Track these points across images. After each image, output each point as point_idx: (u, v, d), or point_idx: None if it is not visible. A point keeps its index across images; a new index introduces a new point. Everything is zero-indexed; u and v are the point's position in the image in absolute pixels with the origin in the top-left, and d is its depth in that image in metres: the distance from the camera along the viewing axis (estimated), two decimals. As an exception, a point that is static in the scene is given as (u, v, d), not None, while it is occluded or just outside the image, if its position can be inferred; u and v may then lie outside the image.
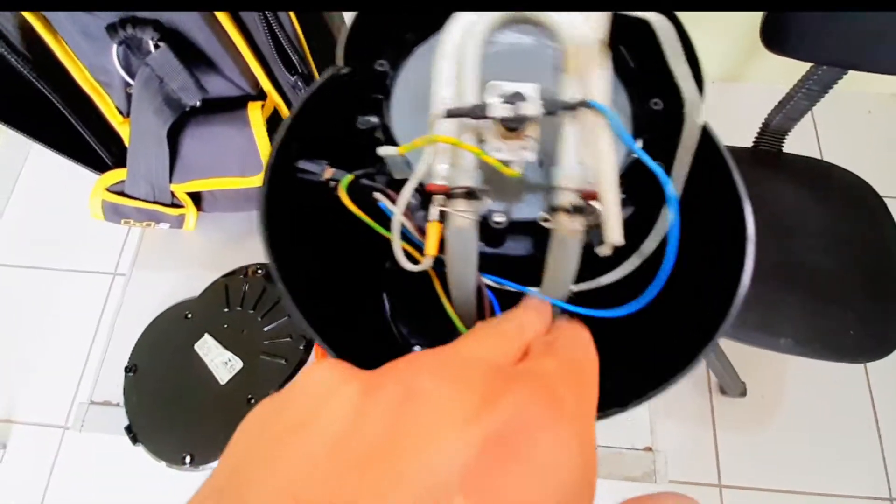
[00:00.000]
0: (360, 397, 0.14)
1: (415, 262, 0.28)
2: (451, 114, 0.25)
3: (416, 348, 0.43)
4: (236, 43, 0.52)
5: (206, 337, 0.65)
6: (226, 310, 0.67)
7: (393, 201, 0.28)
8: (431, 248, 0.27)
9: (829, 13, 0.79)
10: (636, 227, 0.29)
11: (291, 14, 0.52)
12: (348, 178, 0.29)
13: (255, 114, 0.58)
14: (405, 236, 0.29)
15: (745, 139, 1.00)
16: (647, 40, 0.28)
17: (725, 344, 1.10)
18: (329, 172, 0.29)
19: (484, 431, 0.13)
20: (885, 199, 0.91)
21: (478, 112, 0.25)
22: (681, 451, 1.11)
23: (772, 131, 0.99)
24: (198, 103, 0.56)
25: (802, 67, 0.87)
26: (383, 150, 0.27)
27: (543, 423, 0.14)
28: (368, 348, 0.39)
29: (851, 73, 0.83)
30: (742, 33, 1.30)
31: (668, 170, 0.27)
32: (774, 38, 0.86)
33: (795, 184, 0.95)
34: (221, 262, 0.69)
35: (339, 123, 0.30)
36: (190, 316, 0.67)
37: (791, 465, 1.09)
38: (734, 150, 1.01)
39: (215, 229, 0.72)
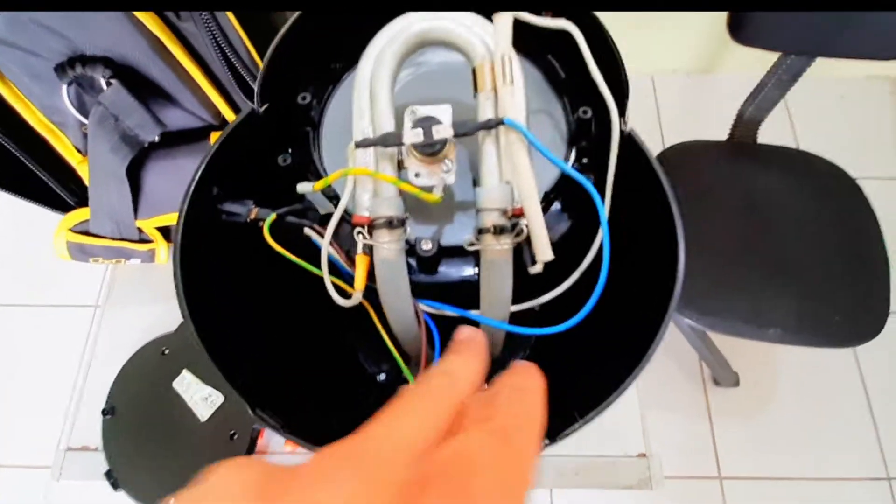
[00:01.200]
0: None
1: (348, 296, 0.27)
2: (362, 144, 0.24)
3: (381, 377, 0.41)
4: (192, 74, 0.51)
5: (185, 373, 0.64)
6: None
7: (321, 234, 0.28)
8: (360, 281, 0.26)
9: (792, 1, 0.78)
10: (575, 239, 0.28)
11: (245, 40, 0.51)
12: (271, 217, 0.28)
13: None
14: (339, 271, 0.28)
15: (722, 131, 0.99)
16: (575, 49, 0.27)
17: (715, 335, 1.08)
18: (254, 213, 0.29)
19: None
20: (860, 181, 0.89)
21: (389, 140, 0.24)
22: (678, 445, 1.09)
23: (746, 122, 0.98)
24: (157, 138, 0.55)
25: (774, 56, 0.86)
26: (301, 187, 0.26)
27: None
28: (333, 384, 0.37)
29: (820, 59, 0.82)
30: (711, 24, 1.29)
31: (603, 177, 0.26)
32: (740, 29, 0.85)
33: (772, 174, 0.94)
34: None
35: (264, 161, 0.30)
36: (167, 352, 0.66)
37: (789, 451, 1.07)
38: (708, 144, 1.00)
39: None
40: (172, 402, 0.62)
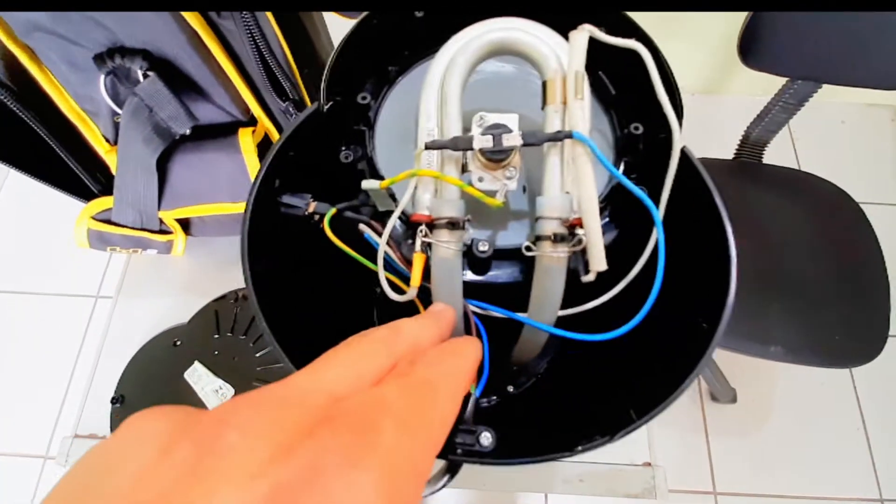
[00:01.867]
0: (157, 455, 0.13)
1: (402, 292, 0.28)
2: (432, 146, 0.25)
3: None
4: (227, 71, 0.52)
5: (196, 364, 0.64)
6: (216, 336, 0.66)
7: (378, 233, 0.28)
8: (416, 278, 0.27)
9: (801, 30, 0.81)
10: (620, 249, 0.29)
11: (282, 41, 0.52)
12: (331, 211, 0.29)
13: (247, 140, 0.57)
14: (392, 267, 0.29)
15: (727, 150, 1.01)
16: (625, 67, 0.28)
17: (715, 352, 1.10)
18: (312, 206, 0.29)
19: (269, 485, 0.12)
20: (861, 205, 0.92)
21: (459, 144, 0.25)
22: (674, 459, 1.11)
23: (752, 143, 1.01)
24: (188, 131, 0.56)
25: (780, 79, 0.89)
26: (366, 184, 0.27)
27: (338, 471, 0.13)
28: None
29: (825, 84, 0.85)
30: (721, 46, 1.32)
31: (651, 191, 0.27)
32: (750, 53, 0.87)
33: (777, 194, 0.96)
34: (211, 286, 0.68)
35: (324, 156, 0.31)
36: (179, 343, 0.66)
37: (783, 469, 1.09)
38: (717, 162, 1.03)
39: (204, 253, 0.71)
40: (182, 393, 0.62)
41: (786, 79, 0.89)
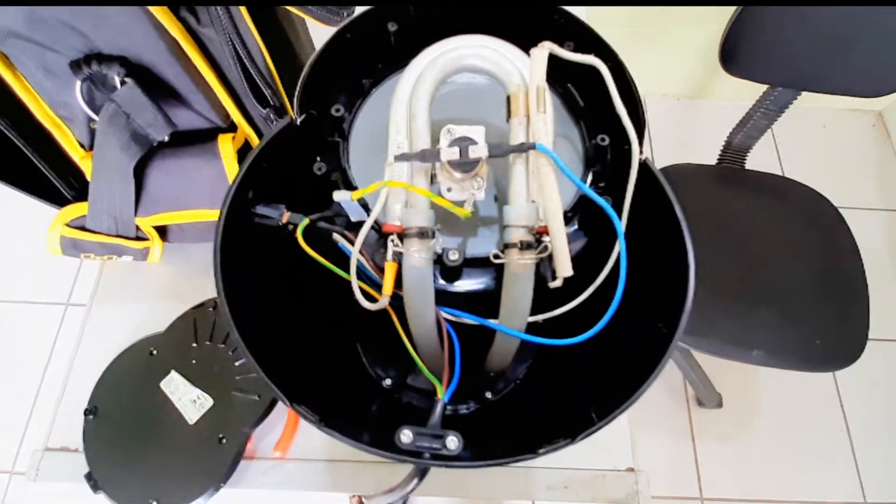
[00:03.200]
0: None
1: (375, 300, 0.29)
2: (401, 158, 0.26)
3: (387, 382, 0.43)
4: (207, 78, 0.51)
5: (173, 374, 0.63)
6: (194, 344, 0.65)
7: (351, 242, 0.29)
8: (387, 287, 0.28)
9: (781, 37, 0.84)
10: (590, 256, 0.30)
11: (262, 47, 0.52)
12: (305, 221, 0.30)
13: (226, 146, 0.57)
14: (365, 275, 0.30)
15: (711, 155, 1.04)
16: (592, 80, 0.29)
17: (700, 356, 1.13)
18: (286, 216, 0.30)
19: None
20: (841, 210, 0.95)
21: (427, 156, 0.26)
22: (661, 465, 1.13)
23: (734, 149, 1.03)
24: (166, 138, 0.56)
25: (760, 86, 0.91)
26: (338, 195, 0.28)
27: None
28: (338, 386, 0.39)
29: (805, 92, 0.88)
30: (703, 51, 1.36)
31: (617, 201, 0.29)
32: (731, 60, 0.90)
33: (758, 200, 0.99)
34: (188, 293, 0.67)
35: (298, 168, 0.32)
36: (155, 352, 0.65)
37: (769, 473, 1.12)
38: (699, 168, 1.05)
39: (181, 260, 0.70)
40: (159, 404, 0.61)
41: (766, 86, 0.92)
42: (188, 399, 0.63)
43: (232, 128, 0.59)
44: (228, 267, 0.29)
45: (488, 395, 0.43)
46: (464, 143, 0.26)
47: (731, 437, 1.16)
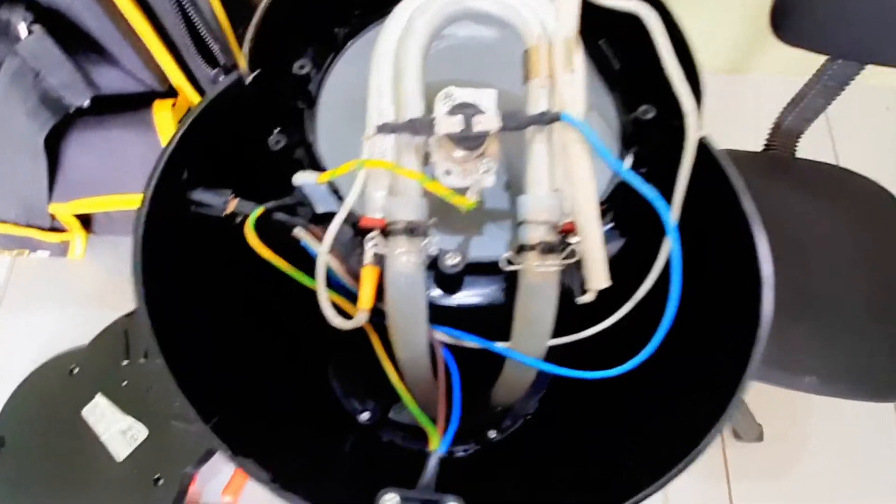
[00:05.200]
0: None
1: (349, 316, 0.27)
2: (385, 129, 0.24)
3: (363, 417, 0.40)
4: (137, 28, 0.49)
5: (99, 398, 0.61)
6: (125, 362, 0.63)
7: (318, 240, 0.27)
8: (366, 299, 0.26)
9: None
10: (627, 262, 0.28)
11: None
12: (257, 211, 0.27)
13: (163, 115, 0.55)
14: (337, 284, 0.28)
15: (754, 140, 1.02)
16: (635, 34, 0.27)
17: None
18: (233, 205, 0.28)
19: None
20: (908, 207, 0.94)
21: (420, 127, 0.24)
22: (691, 507, 1.11)
23: (784, 133, 1.01)
24: (86, 103, 0.53)
25: (818, 58, 0.89)
26: (300, 178, 0.26)
27: None
28: (301, 421, 0.36)
29: (869, 66, 0.86)
30: (751, 18, 1.34)
31: (665, 191, 0.26)
32: (785, 26, 0.88)
33: (810, 195, 0.97)
34: (118, 298, 0.65)
35: (248, 141, 0.29)
36: (76, 371, 0.63)
37: (815, 517, 1.10)
38: (742, 155, 1.03)
39: (110, 256, 0.68)
40: (80, 435, 0.60)
41: (826, 57, 0.90)
42: (117, 430, 0.61)
43: (171, 92, 0.56)
44: (154, 268, 0.26)
45: (492, 433, 0.41)
46: (468, 110, 0.24)
47: (772, 474, 1.14)
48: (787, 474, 1.15)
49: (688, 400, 0.27)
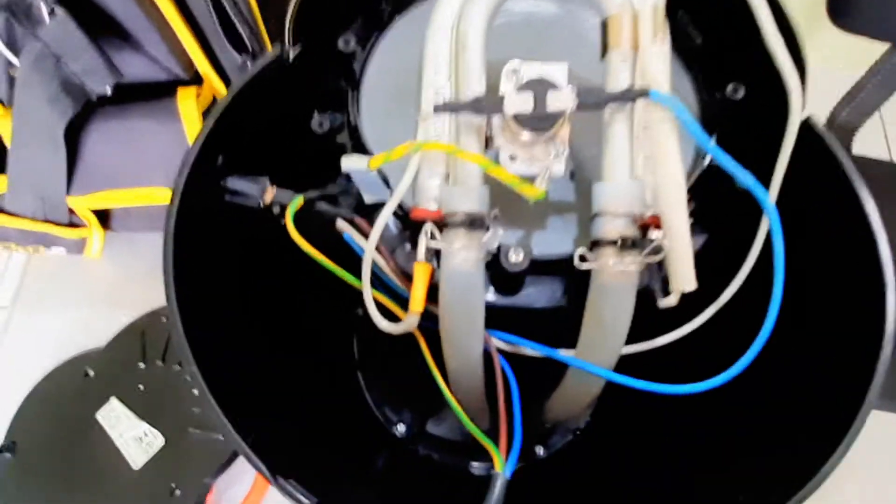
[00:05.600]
0: None
1: (396, 319, 0.26)
2: (444, 109, 0.23)
3: (399, 429, 0.39)
4: (164, 11, 0.49)
5: (114, 402, 0.61)
6: (141, 365, 0.63)
7: (364, 234, 0.26)
8: (418, 300, 0.24)
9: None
10: (709, 261, 0.26)
11: None
12: (297, 200, 0.26)
13: (188, 103, 0.54)
14: (383, 283, 0.27)
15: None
16: (720, 5, 0.25)
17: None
18: (271, 194, 0.26)
19: None
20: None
21: (484, 107, 0.22)
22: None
23: (838, 128, 0.97)
24: (108, 90, 0.52)
25: (875, 48, 0.86)
26: (348, 162, 0.24)
27: None
28: (330, 435, 0.35)
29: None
30: (803, 4, 1.30)
31: (761, 179, 0.24)
32: (844, 11, 0.84)
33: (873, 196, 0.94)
34: (136, 299, 0.65)
35: (288, 124, 0.28)
36: (92, 374, 0.63)
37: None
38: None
39: (128, 255, 0.68)
40: (95, 441, 0.59)
41: (887, 46, 0.87)
42: (132, 436, 0.60)
43: (196, 80, 0.56)
44: (185, 264, 0.25)
45: (539, 450, 0.39)
46: (539, 87, 0.22)
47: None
48: None
49: (787, 421, 0.25)
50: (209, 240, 0.27)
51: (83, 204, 0.59)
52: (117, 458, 0.60)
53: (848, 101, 1.00)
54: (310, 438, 0.33)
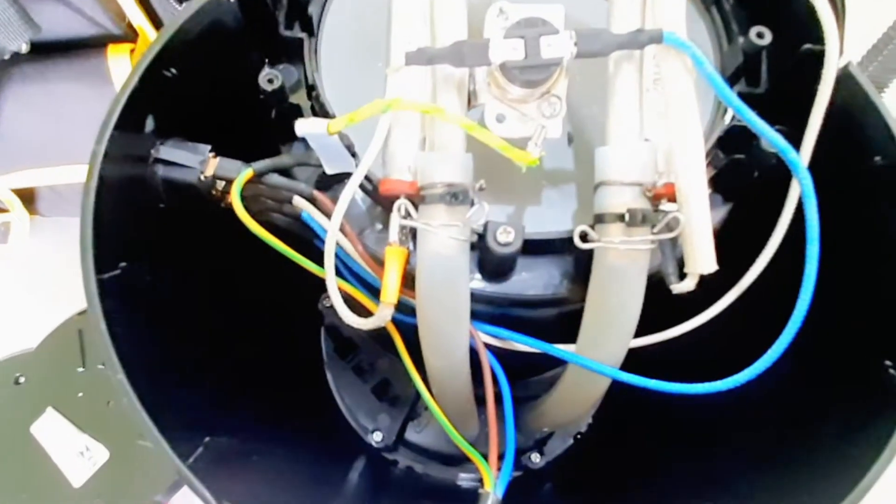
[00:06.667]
0: None
1: (368, 312, 0.25)
2: (417, 59, 0.21)
3: (375, 437, 0.38)
4: None
5: (50, 412, 0.60)
6: (81, 369, 0.62)
7: (326, 212, 0.25)
8: (391, 290, 0.23)
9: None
10: (731, 237, 0.25)
11: None
12: (245, 173, 0.24)
13: (119, 62, 0.53)
14: (350, 270, 0.26)
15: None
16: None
17: None
18: (213, 165, 0.25)
19: None
20: None
21: (466, 56, 0.21)
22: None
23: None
24: (24, 47, 0.50)
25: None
26: (304, 126, 0.23)
27: None
28: (294, 445, 0.35)
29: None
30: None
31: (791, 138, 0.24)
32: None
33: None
34: (72, 293, 0.63)
35: (233, 81, 0.27)
36: (23, 380, 0.61)
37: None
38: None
39: (60, 242, 0.66)
40: (30, 457, 0.58)
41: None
42: (73, 450, 0.59)
43: (130, 35, 0.54)
44: (110, 252, 0.24)
45: (535, 457, 0.39)
46: (532, 31, 0.21)
47: None
48: None
49: (821, 426, 0.24)
50: (139, 222, 0.26)
51: (2, 184, 0.57)
52: (56, 475, 0.59)
53: (875, 56, 1.00)
54: (269, 452, 0.32)
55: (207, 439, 0.23)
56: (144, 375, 0.22)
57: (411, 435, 0.40)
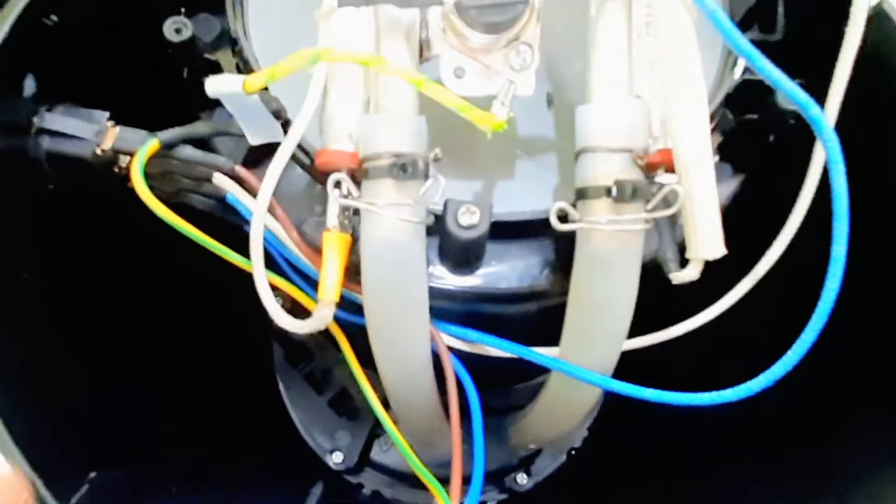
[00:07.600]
0: None
1: (306, 314, 0.23)
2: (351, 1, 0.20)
3: (334, 457, 0.38)
4: None
5: None
6: None
7: (252, 192, 0.23)
8: (330, 284, 0.22)
9: None
10: (741, 214, 0.25)
11: None
12: (151, 145, 0.23)
13: None
14: (287, 261, 0.25)
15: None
16: None
17: None
18: (111, 136, 0.23)
19: None
20: None
21: None
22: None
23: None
24: None
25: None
26: (216, 85, 0.21)
27: None
28: (242, 469, 0.34)
29: None
30: None
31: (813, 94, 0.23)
32: None
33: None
34: None
35: (134, 30, 0.25)
36: None
37: None
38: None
39: None
40: None
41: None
42: None
43: None
44: None
45: (521, 478, 0.39)
46: None
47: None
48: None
49: (859, 443, 0.24)
50: (22, 206, 0.24)
51: None
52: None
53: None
54: (207, 479, 0.31)
55: (93, 475, 0.21)
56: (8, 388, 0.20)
57: (377, 454, 0.39)
